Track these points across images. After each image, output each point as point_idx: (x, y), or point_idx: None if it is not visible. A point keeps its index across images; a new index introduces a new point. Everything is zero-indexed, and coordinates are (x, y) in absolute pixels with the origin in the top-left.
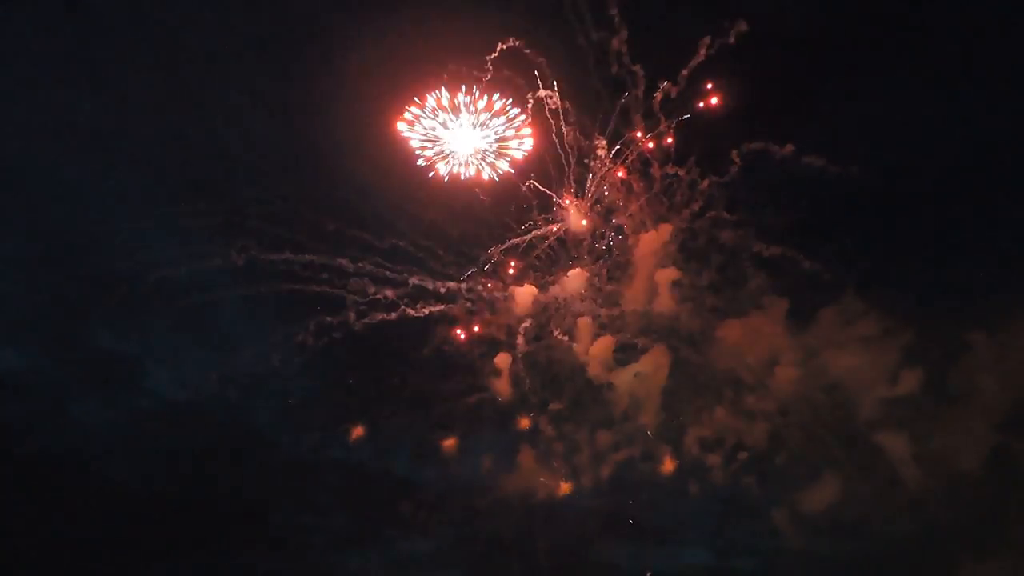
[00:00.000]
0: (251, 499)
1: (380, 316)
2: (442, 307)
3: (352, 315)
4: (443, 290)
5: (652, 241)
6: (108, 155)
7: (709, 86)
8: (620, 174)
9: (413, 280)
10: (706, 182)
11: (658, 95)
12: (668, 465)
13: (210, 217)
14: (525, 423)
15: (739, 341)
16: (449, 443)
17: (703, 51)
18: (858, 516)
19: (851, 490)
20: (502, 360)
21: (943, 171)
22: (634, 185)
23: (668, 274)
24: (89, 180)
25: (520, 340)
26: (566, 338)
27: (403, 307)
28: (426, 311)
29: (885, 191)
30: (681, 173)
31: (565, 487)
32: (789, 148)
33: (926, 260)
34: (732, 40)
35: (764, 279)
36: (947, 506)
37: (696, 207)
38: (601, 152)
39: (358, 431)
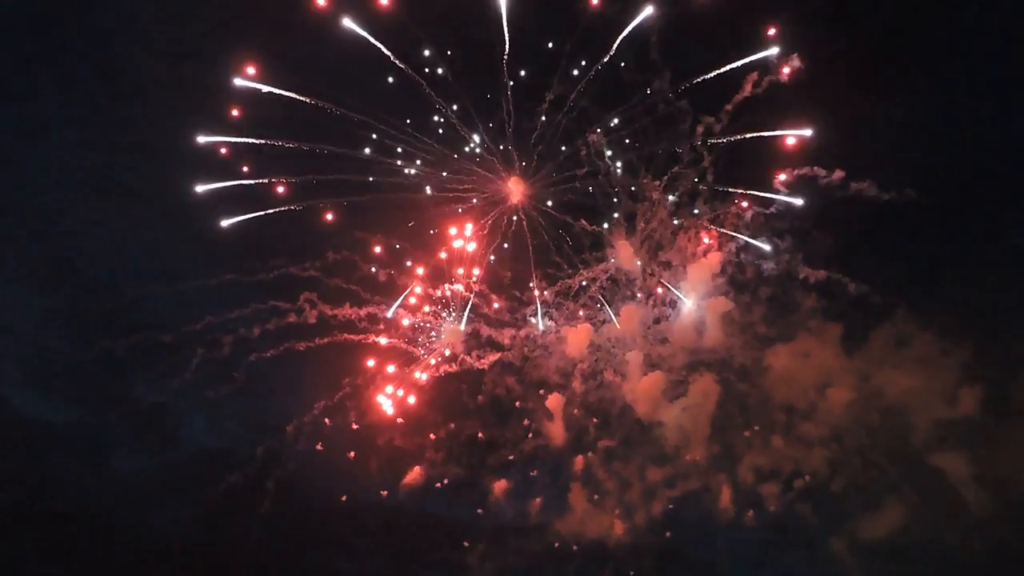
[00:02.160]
0: (289, 543)
1: (444, 368)
2: (499, 355)
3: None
4: (506, 342)
5: (700, 271)
6: (147, 212)
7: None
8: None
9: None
10: (750, 212)
11: (700, 128)
12: (722, 497)
13: (254, 273)
14: (578, 463)
15: (790, 367)
16: (498, 485)
17: (749, 87)
18: (921, 542)
19: (913, 515)
20: (555, 402)
21: (996, 181)
22: (682, 220)
23: (717, 304)
24: (127, 237)
25: (576, 383)
26: (619, 378)
27: (460, 356)
28: (485, 361)
29: (937, 204)
30: (738, 206)
31: (615, 525)
32: (839, 174)
33: (981, 272)
34: (785, 76)
35: (814, 303)
36: (1016, 528)
37: (743, 237)
38: (655, 195)
39: (412, 476)
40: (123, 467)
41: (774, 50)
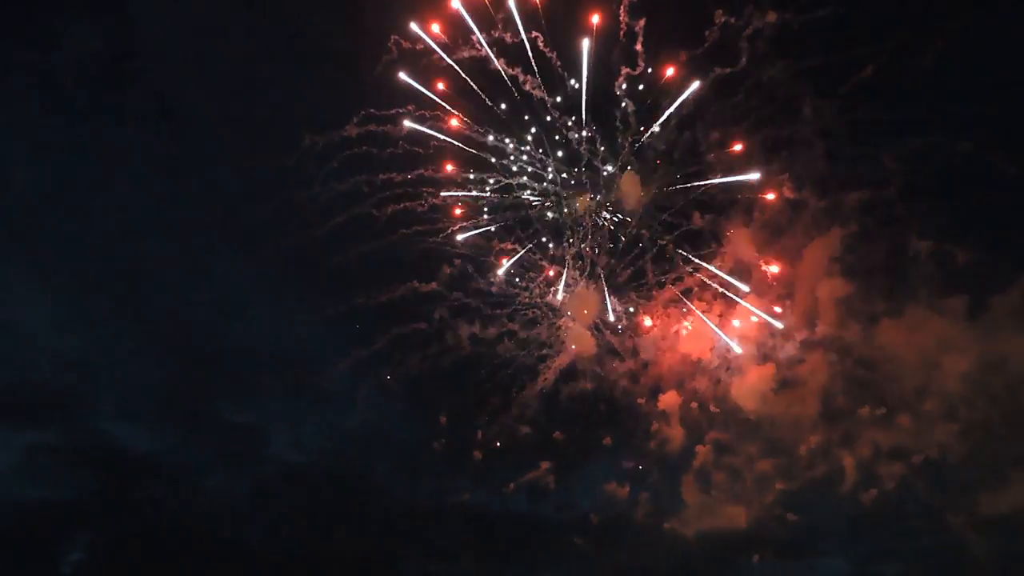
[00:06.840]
0: (379, 551)
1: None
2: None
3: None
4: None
5: (817, 251)
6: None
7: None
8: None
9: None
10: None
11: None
12: (842, 479)
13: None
14: (694, 458)
15: (908, 342)
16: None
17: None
18: None
19: None
20: (671, 400)
21: None
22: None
23: (833, 285)
24: (214, 267)
25: (694, 381)
26: (733, 373)
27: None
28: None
29: None
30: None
31: (739, 514)
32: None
33: None
34: None
35: (932, 275)
36: None
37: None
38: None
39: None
40: (214, 489)
41: None
